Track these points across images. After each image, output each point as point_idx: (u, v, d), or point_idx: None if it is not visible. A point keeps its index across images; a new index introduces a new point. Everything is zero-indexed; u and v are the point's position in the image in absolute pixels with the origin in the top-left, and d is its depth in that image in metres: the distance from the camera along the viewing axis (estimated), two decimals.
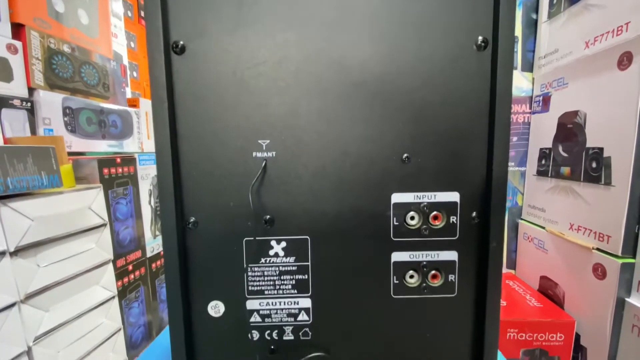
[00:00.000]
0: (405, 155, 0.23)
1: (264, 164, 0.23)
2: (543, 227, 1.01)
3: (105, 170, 0.85)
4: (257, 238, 0.24)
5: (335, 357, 0.25)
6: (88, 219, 0.77)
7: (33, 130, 0.82)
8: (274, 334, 0.25)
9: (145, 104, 1.24)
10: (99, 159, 0.83)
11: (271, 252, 0.24)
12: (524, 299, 1.00)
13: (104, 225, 0.82)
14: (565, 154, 0.93)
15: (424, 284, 0.24)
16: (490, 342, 0.24)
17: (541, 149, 1.04)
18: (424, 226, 0.24)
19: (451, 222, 0.24)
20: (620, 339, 0.76)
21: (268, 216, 0.24)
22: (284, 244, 0.24)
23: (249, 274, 0.24)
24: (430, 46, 0.22)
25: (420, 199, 0.23)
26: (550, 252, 0.99)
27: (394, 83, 0.23)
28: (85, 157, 0.86)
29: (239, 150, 0.23)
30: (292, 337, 0.25)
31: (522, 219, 1.14)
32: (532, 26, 1.09)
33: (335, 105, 0.23)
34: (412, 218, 0.24)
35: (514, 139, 1.15)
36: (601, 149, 0.81)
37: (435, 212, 0.24)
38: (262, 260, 0.24)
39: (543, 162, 1.04)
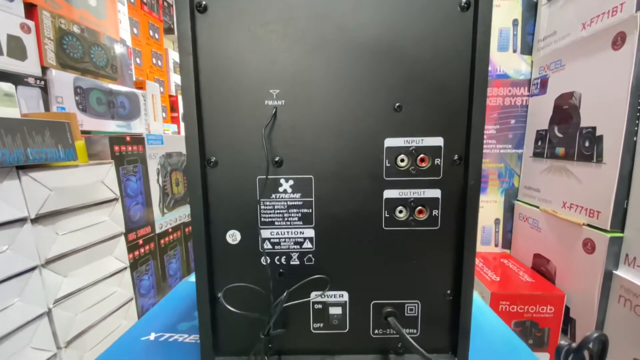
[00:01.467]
0: (397, 104, 0.26)
1: (274, 111, 0.26)
2: (537, 207, 1.04)
3: (116, 148, 0.88)
4: (268, 177, 0.27)
5: (334, 279, 0.29)
6: (101, 193, 0.81)
7: (47, 108, 0.85)
8: (282, 259, 0.29)
9: (151, 87, 1.27)
10: (110, 136, 0.87)
11: (280, 189, 0.28)
12: (517, 275, 1.03)
13: (116, 199, 0.86)
14: (560, 135, 0.95)
15: (411, 218, 0.28)
16: (468, 268, 0.28)
17: (538, 131, 1.07)
18: (412, 167, 0.27)
19: (436, 163, 0.27)
20: (608, 310, 0.79)
21: (278, 157, 0.27)
22: (291, 182, 0.28)
23: (262, 207, 0.28)
24: (420, 9, 0.25)
25: (409, 143, 0.27)
26: (543, 231, 1.02)
27: (388, 42, 0.26)
28: (97, 135, 0.90)
29: (252, 98, 0.26)
30: (297, 262, 0.29)
31: (518, 200, 1.16)
32: (532, 9, 1.10)
33: (337, 61, 0.26)
34: (402, 160, 0.27)
35: (512, 121, 1.17)
36: (594, 128, 0.83)
37: (422, 155, 0.27)
38: (273, 195, 0.28)
39: (539, 143, 1.06)
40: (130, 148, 0.93)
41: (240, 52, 0.26)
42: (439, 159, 0.27)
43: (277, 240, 0.28)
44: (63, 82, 0.87)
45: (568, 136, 0.93)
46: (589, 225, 0.83)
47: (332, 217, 0.28)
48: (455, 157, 0.27)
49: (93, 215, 0.80)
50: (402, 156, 0.27)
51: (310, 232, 0.28)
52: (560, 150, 0.97)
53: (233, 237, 0.28)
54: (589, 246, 0.84)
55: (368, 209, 0.28)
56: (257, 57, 0.26)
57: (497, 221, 1.22)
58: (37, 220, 0.66)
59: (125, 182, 0.92)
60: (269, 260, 0.28)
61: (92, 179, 0.78)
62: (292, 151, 0.27)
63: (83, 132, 0.92)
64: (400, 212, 0.28)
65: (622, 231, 0.77)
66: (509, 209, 1.20)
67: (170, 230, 1.15)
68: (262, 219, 0.28)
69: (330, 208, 0.28)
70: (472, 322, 0.44)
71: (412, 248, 0.28)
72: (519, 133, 1.16)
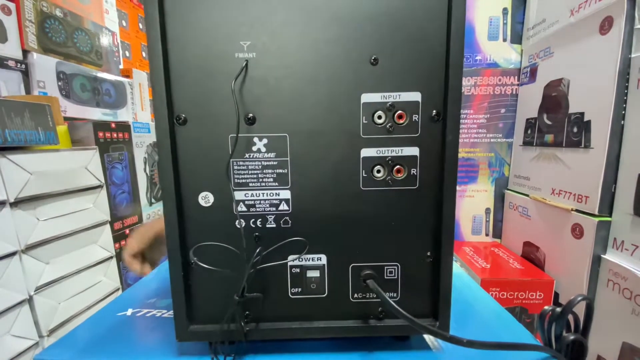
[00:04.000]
0: (374, 57, 0.25)
1: (244, 63, 0.25)
2: (527, 195, 1.04)
3: (101, 134, 0.86)
4: (239, 135, 0.26)
5: (312, 242, 0.28)
6: (85, 179, 0.79)
7: (28, 92, 0.83)
8: (258, 222, 0.28)
9: (139, 75, 1.25)
10: (94, 122, 0.85)
11: (254, 148, 0.27)
12: (507, 262, 1.03)
13: (100, 186, 0.84)
14: (549, 122, 0.96)
15: (389, 178, 0.27)
16: (448, 229, 0.27)
17: (527, 119, 1.07)
18: (390, 124, 0.26)
19: (413, 120, 0.26)
20: (597, 295, 0.80)
21: (250, 114, 0.26)
22: (265, 140, 0.27)
23: (235, 167, 0.27)
24: None
25: (386, 98, 0.26)
26: (533, 218, 1.02)
27: None
28: (80, 120, 0.88)
29: (222, 50, 0.25)
30: (274, 225, 0.28)
31: (508, 189, 1.16)
32: None
33: (311, 12, 0.25)
34: (379, 117, 0.26)
35: (502, 110, 1.17)
36: (582, 114, 0.83)
37: (399, 111, 0.26)
38: (246, 155, 0.27)
39: (529, 132, 1.06)
40: (115, 135, 0.91)
41: (210, 0, 0.24)
42: (416, 115, 0.26)
43: (252, 202, 0.27)
44: (45, 66, 0.85)
45: (557, 123, 0.93)
46: (577, 210, 0.83)
47: (309, 177, 0.27)
48: (434, 112, 0.26)
49: (76, 202, 0.78)
50: (379, 112, 0.26)
51: (286, 194, 0.27)
52: (549, 137, 0.97)
53: (206, 199, 0.27)
54: (577, 231, 0.84)
55: (345, 169, 0.27)
56: (227, 5, 0.25)
57: (487, 211, 1.22)
58: (16, 204, 0.64)
59: (111, 169, 0.90)
60: (244, 224, 0.27)
61: (75, 165, 0.76)
62: (265, 108, 0.26)
63: (67, 118, 0.90)
64: (378, 171, 0.27)
65: (610, 215, 0.77)
66: (500, 199, 1.20)
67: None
68: (236, 180, 0.27)
69: (307, 168, 0.27)
70: (462, 297, 0.44)
71: (391, 209, 0.27)
72: (509, 122, 1.16)
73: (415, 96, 0.26)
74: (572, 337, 0.31)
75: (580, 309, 0.31)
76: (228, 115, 0.26)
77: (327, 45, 0.25)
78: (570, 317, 0.31)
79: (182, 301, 0.27)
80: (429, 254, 0.28)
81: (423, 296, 0.29)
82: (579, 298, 0.30)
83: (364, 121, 0.26)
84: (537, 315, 0.94)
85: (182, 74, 0.25)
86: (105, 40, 1.06)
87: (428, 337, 0.33)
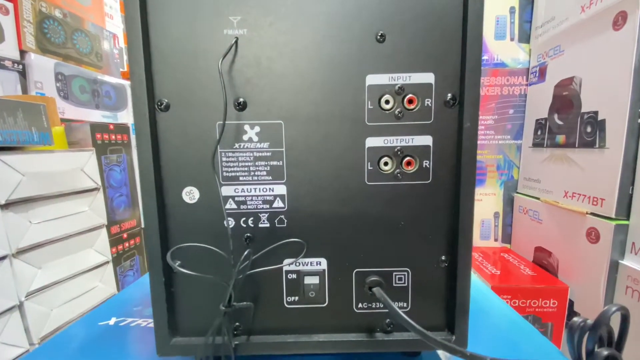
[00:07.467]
0: (380, 33, 0.23)
1: (234, 41, 0.22)
2: (538, 198, 1.01)
3: (98, 135, 0.84)
4: (228, 122, 0.23)
5: (310, 244, 0.25)
6: (80, 181, 0.77)
7: (25, 93, 0.81)
8: (250, 221, 0.25)
9: None
10: (91, 123, 0.83)
11: (245, 137, 0.24)
12: (518, 268, 1.00)
13: (97, 189, 0.81)
14: (560, 122, 0.92)
15: (398, 171, 0.24)
16: (465, 229, 0.24)
17: (537, 120, 1.04)
18: (399, 109, 0.23)
19: (426, 105, 0.23)
20: (614, 302, 0.76)
21: (241, 99, 0.23)
22: (257, 128, 0.24)
23: (223, 159, 0.24)
24: None
25: (394, 80, 0.23)
26: (544, 222, 0.99)
27: None
28: (77, 122, 0.86)
29: (209, 26, 0.22)
30: (267, 225, 0.25)
31: (517, 193, 1.13)
32: None
33: None
34: (387, 102, 0.23)
35: (510, 111, 1.14)
36: (596, 113, 0.80)
37: (410, 95, 0.23)
38: (236, 145, 0.24)
39: (539, 133, 1.03)
40: (113, 137, 0.89)
41: None
42: (429, 99, 0.23)
43: (243, 198, 0.24)
44: (43, 67, 0.84)
45: (569, 123, 0.90)
46: (592, 213, 0.79)
47: (307, 170, 0.24)
48: (449, 96, 0.23)
49: (71, 205, 0.75)
50: (387, 96, 0.23)
51: (281, 189, 0.24)
52: (561, 138, 0.94)
53: (190, 195, 0.24)
54: (593, 236, 0.80)
55: (348, 161, 0.24)
56: None
57: (496, 215, 1.19)
58: (7, 206, 0.62)
59: (108, 172, 0.88)
60: (233, 223, 0.24)
61: (70, 166, 0.74)
62: (257, 91, 0.23)
63: (65, 120, 0.89)
64: (386, 164, 0.24)
65: (628, 218, 0.73)
66: (509, 202, 1.17)
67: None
68: (224, 174, 0.24)
69: (304, 160, 0.24)
70: (475, 305, 0.40)
71: (400, 206, 0.24)
72: (518, 123, 1.13)
73: (428, 77, 0.23)
74: (605, 353, 0.27)
75: (597, 314, 0.28)
76: (215, 100, 0.23)
77: (327, 20, 0.22)
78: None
79: (163, 311, 0.24)
80: (443, 258, 0.25)
81: (437, 306, 0.26)
82: (614, 308, 0.26)
83: (369, 106, 0.23)
84: (551, 324, 0.90)
85: (164, 54, 0.22)
86: (106, 42, 1.05)
87: (442, 353, 0.29)
